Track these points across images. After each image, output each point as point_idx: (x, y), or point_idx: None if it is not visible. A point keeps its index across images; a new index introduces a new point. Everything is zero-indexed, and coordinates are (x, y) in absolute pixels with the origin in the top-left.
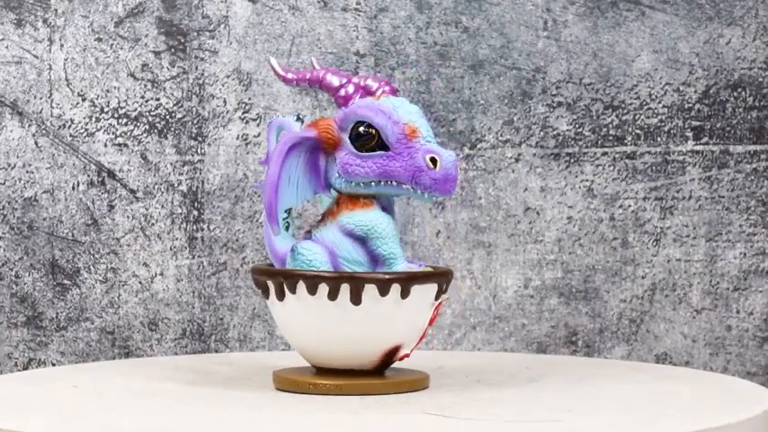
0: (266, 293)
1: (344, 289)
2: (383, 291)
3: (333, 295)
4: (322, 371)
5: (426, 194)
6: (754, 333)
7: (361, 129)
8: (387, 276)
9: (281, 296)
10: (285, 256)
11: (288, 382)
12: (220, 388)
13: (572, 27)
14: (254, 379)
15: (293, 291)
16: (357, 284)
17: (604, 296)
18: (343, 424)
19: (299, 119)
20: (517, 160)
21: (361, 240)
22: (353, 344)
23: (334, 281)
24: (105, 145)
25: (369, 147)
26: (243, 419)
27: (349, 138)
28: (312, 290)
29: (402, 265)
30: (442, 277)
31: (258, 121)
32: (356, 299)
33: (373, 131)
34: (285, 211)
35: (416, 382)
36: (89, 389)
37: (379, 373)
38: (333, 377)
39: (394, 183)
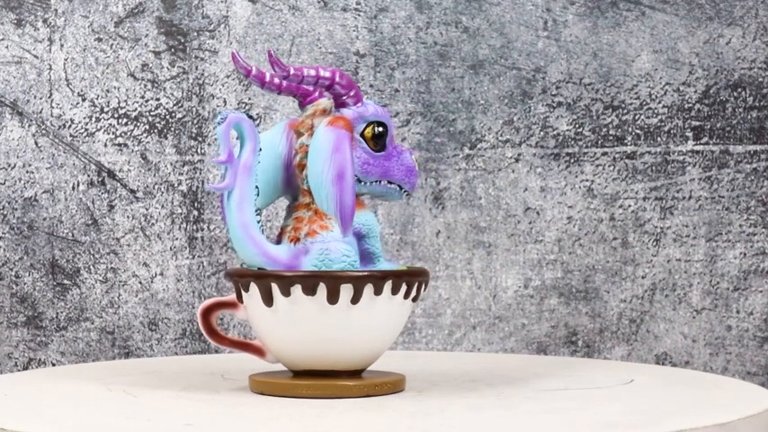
0: (269, 299)
1: (368, 289)
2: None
3: (357, 296)
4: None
5: (406, 192)
6: (754, 333)
7: (380, 129)
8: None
9: (329, 298)
10: (291, 261)
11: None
12: (213, 390)
13: (572, 27)
14: (243, 380)
15: (313, 293)
16: (419, 281)
17: (604, 296)
18: (334, 427)
19: (250, 116)
20: (517, 160)
21: (358, 238)
22: (367, 344)
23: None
24: (105, 145)
25: (378, 147)
26: (228, 424)
27: (362, 137)
28: (335, 291)
29: (384, 263)
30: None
31: (258, 122)
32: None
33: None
34: (257, 212)
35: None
36: (89, 389)
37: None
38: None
39: (386, 182)
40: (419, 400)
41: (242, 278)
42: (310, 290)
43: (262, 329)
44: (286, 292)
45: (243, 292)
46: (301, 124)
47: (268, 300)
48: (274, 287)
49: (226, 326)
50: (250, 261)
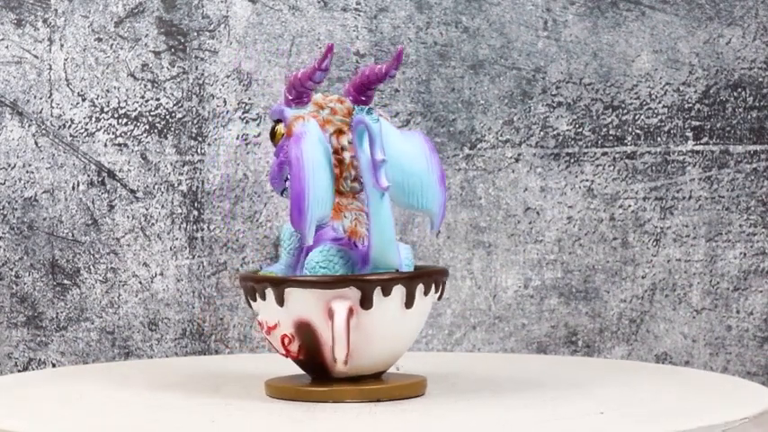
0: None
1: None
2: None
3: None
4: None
5: None
6: (754, 333)
7: None
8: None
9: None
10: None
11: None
12: (216, 393)
13: (572, 27)
14: (252, 384)
15: (438, 290)
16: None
17: (604, 296)
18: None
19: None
20: (517, 160)
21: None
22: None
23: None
24: (105, 145)
25: None
26: (240, 428)
27: None
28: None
29: None
30: None
31: (258, 121)
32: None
33: None
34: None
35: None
36: (89, 389)
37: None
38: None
39: None
40: (440, 403)
41: (388, 282)
42: (440, 287)
43: (383, 333)
44: (427, 291)
45: (383, 296)
46: (329, 122)
47: (410, 300)
48: (419, 288)
49: (226, 326)
50: (391, 263)
